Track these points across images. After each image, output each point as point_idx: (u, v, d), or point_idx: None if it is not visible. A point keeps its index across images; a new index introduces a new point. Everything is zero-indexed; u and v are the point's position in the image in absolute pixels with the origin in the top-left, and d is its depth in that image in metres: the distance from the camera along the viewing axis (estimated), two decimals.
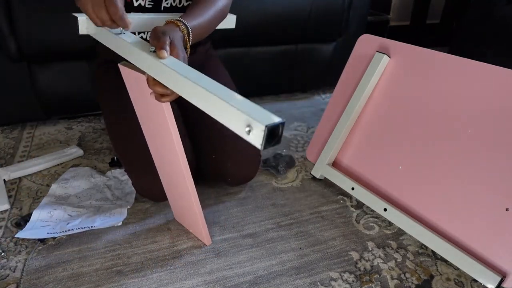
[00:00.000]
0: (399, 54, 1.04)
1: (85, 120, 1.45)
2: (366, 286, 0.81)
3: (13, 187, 1.05)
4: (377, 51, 1.05)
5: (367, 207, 1.04)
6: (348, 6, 1.58)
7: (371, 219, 1.01)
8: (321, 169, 1.13)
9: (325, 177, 1.14)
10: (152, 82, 0.63)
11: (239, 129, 0.48)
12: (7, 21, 1.13)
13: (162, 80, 0.60)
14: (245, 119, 0.46)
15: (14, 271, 0.80)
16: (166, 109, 0.68)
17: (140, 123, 0.82)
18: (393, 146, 1.02)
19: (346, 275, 0.83)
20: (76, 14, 0.72)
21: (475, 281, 0.83)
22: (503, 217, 0.81)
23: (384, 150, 1.03)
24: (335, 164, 1.14)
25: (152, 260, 0.84)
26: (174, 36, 0.66)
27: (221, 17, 0.87)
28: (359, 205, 1.06)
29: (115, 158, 1.17)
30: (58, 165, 1.16)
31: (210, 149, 1.01)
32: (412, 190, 0.96)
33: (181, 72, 0.56)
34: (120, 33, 0.68)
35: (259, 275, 0.82)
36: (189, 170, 0.77)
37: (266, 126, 0.43)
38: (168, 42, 0.63)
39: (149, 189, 0.94)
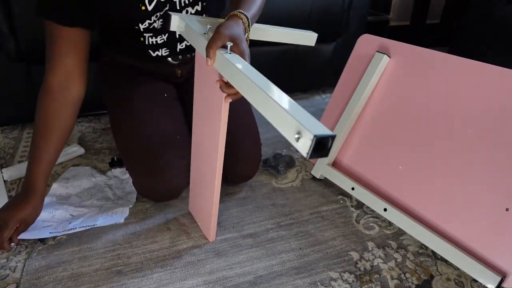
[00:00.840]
0: (399, 54, 1.04)
1: (85, 120, 1.45)
2: (366, 286, 0.81)
3: (13, 187, 1.05)
4: (377, 51, 1.05)
5: (367, 207, 1.04)
6: (348, 6, 1.58)
7: (371, 219, 1.01)
8: (321, 169, 1.13)
9: (325, 177, 1.14)
10: (226, 85, 0.67)
11: (289, 134, 0.49)
12: (6, 21, 1.13)
13: (232, 80, 0.62)
14: (296, 126, 0.47)
15: (14, 271, 0.80)
16: (224, 106, 0.71)
17: (194, 108, 0.85)
18: (393, 146, 1.02)
19: (346, 275, 0.83)
20: (170, 13, 0.79)
21: (475, 281, 0.83)
22: (503, 217, 0.81)
23: (384, 150, 1.03)
24: (335, 164, 1.14)
25: (152, 260, 0.84)
26: (239, 32, 0.68)
27: (263, 3, 0.88)
28: (359, 205, 1.06)
29: (115, 158, 1.17)
30: (58, 164, 1.16)
31: None
32: (412, 190, 0.96)
33: (249, 75, 0.57)
34: (205, 33, 0.72)
35: (259, 275, 0.82)
36: (222, 165, 0.79)
37: (315, 136, 0.43)
38: (214, 53, 0.65)
39: (150, 188, 0.95)
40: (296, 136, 0.46)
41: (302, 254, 0.88)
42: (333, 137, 0.45)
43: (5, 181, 1.07)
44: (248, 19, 0.73)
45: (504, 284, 0.79)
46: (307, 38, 1.01)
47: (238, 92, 0.65)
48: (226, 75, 0.64)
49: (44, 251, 0.85)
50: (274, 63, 1.60)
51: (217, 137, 0.76)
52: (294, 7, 1.44)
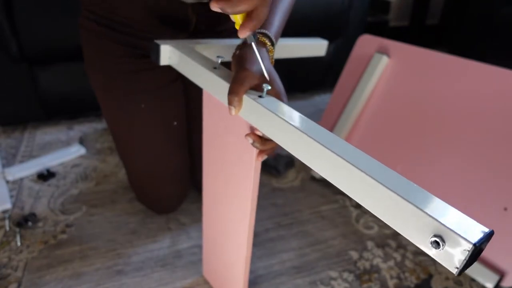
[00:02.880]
0: (399, 54, 1.04)
1: (86, 120, 1.45)
2: (365, 285, 0.81)
3: (15, 187, 1.06)
4: (376, 52, 1.06)
5: None
6: (347, 6, 1.58)
7: (370, 218, 1.01)
8: None
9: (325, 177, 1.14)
10: (261, 140, 0.50)
11: (413, 233, 0.33)
12: (8, 22, 1.14)
13: (277, 138, 0.45)
14: (429, 224, 0.31)
15: (15, 270, 0.80)
16: (256, 165, 0.54)
17: (204, 161, 0.67)
18: (392, 146, 1.02)
19: (345, 274, 0.84)
20: (158, 42, 0.62)
21: (474, 280, 0.83)
22: (501, 217, 0.81)
23: (383, 150, 1.04)
24: None
25: (152, 260, 0.85)
26: (269, 66, 0.52)
27: (291, 8, 0.72)
28: (359, 204, 1.06)
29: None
30: (58, 165, 1.17)
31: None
32: None
33: (308, 131, 0.41)
34: (216, 68, 0.54)
35: (259, 274, 0.83)
36: (252, 235, 0.63)
37: (474, 245, 0.29)
38: (239, 99, 0.48)
39: (155, 204, 0.98)
40: (433, 239, 0.31)
41: (302, 254, 0.89)
42: (491, 235, 0.31)
43: (7, 181, 1.07)
44: (273, 42, 0.57)
45: (502, 283, 0.79)
46: (316, 48, 0.91)
47: (275, 145, 0.50)
48: (264, 129, 0.47)
49: (45, 251, 0.86)
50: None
51: (246, 202, 0.58)
52: (293, 6, 1.45)
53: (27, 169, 1.12)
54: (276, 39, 0.59)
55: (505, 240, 0.80)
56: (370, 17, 2.16)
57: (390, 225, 0.35)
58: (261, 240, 0.92)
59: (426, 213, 0.31)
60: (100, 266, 0.83)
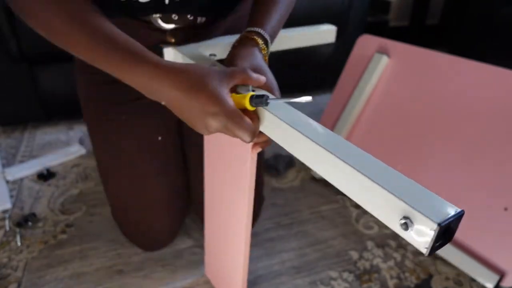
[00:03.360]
0: (399, 54, 1.04)
1: None
2: (365, 285, 0.81)
3: (15, 187, 1.06)
4: (376, 52, 1.06)
5: None
6: (348, 6, 1.58)
7: (370, 218, 1.01)
8: None
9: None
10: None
11: (387, 217, 0.34)
12: (8, 22, 1.14)
13: (271, 133, 0.47)
14: (400, 207, 0.32)
15: (15, 270, 0.80)
16: (252, 157, 0.54)
17: (205, 158, 0.66)
18: (392, 146, 1.02)
19: (345, 274, 0.84)
20: (163, 46, 0.61)
21: (474, 280, 0.83)
22: (501, 217, 0.81)
23: (383, 150, 1.04)
24: None
25: (152, 260, 0.85)
26: (259, 63, 0.53)
27: (291, 8, 0.70)
28: (359, 204, 1.06)
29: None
30: (58, 165, 1.17)
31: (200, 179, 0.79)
32: None
33: (299, 128, 0.42)
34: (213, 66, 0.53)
35: (259, 274, 0.83)
36: (250, 229, 0.63)
37: (438, 224, 0.29)
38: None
39: (139, 238, 0.87)
40: (402, 221, 0.32)
41: (302, 254, 0.89)
42: (461, 215, 0.31)
43: (7, 181, 1.07)
44: (267, 41, 0.57)
45: (502, 283, 0.79)
46: (325, 34, 0.86)
47: (269, 138, 0.50)
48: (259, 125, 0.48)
49: (45, 251, 0.86)
50: (274, 63, 1.60)
51: (243, 196, 0.58)
52: (293, 7, 1.45)
53: (27, 169, 1.12)
54: (272, 38, 0.59)
55: (505, 240, 0.80)
56: (370, 17, 2.16)
57: (367, 209, 0.36)
58: (261, 240, 0.92)
59: (394, 194, 0.32)
60: (100, 266, 0.83)
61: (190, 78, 0.45)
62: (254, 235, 0.93)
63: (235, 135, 0.46)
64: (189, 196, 0.90)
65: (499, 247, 0.81)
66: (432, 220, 0.30)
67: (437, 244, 0.31)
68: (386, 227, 0.97)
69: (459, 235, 0.87)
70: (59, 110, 1.39)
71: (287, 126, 0.43)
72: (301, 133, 0.41)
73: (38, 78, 1.27)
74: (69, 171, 1.14)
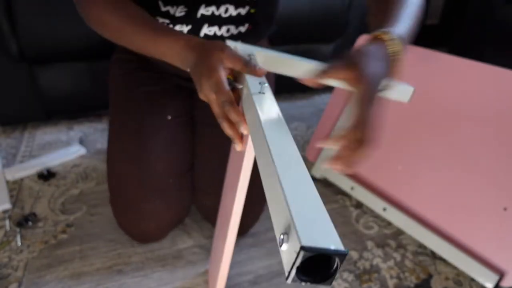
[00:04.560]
0: None
1: (86, 120, 1.45)
2: (365, 285, 0.82)
3: (15, 187, 1.06)
4: None
5: (367, 206, 1.04)
6: (348, 6, 1.58)
7: (370, 218, 1.01)
8: (321, 169, 1.14)
9: (325, 177, 1.14)
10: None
11: (276, 227, 0.30)
12: (8, 21, 1.14)
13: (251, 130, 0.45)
14: (285, 218, 0.28)
15: (16, 270, 0.80)
16: (247, 160, 0.55)
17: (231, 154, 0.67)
18: (392, 146, 1.02)
19: (345, 274, 0.84)
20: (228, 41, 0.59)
21: (474, 280, 0.84)
22: (501, 217, 0.81)
23: (384, 150, 1.04)
24: None
25: (152, 260, 0.85)
26: (378, 70, 0.49)
27: (420, 13, 0.62)
28: (359, 204, 1.06)
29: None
30: (58, 165, 1.17)
31: (208, 190, 0.86)
32: (411, 190, 0.97)
33: (264, 126, 0.40)
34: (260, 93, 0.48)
35: (259, 274, 0.83)
36: (237, 225, 0.63)
37: (302, 247, 0.25)
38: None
39: (132, 227, 0.86)
40: (281, 236, 0.28)
41: None
42: (342, 255, 0.26)
43: (7, 181, 1.07)
44: (401, 40, 0.51)
45: (502, 283, 0.79)
46: (401, 93, 0.77)
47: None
48: (248, 118, 0.47)
49: (45, 251, 0.86)
50: None
51: (234, 189, 0.59)
52: (293, 7, 1.45)
53: (27, 169, 1.12)
54: (405, 42, 0.53)
55: (505, 240, 0.80)
56: None
57: (270, 210, 0.33)
58: (261, 240, 0.92)
59: (287, 202, 0.29)
60: (100, 266, 0.83)
61: (203, 43, 0.53)
62: (254, 235, 0.93)
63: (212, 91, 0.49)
64: (193, 188, 0.89)
65: (498, 247, 0.81)
66: (299, 240, 0.25)
67: (304, 277, 0.27)
68: (386, 227, 0.98)
69: (459, 235, 0.87)
70: (59, 110, 1.39)
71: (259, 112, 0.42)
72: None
73: (38, 78, 1.27)
74: (69, 171, 1.14)
